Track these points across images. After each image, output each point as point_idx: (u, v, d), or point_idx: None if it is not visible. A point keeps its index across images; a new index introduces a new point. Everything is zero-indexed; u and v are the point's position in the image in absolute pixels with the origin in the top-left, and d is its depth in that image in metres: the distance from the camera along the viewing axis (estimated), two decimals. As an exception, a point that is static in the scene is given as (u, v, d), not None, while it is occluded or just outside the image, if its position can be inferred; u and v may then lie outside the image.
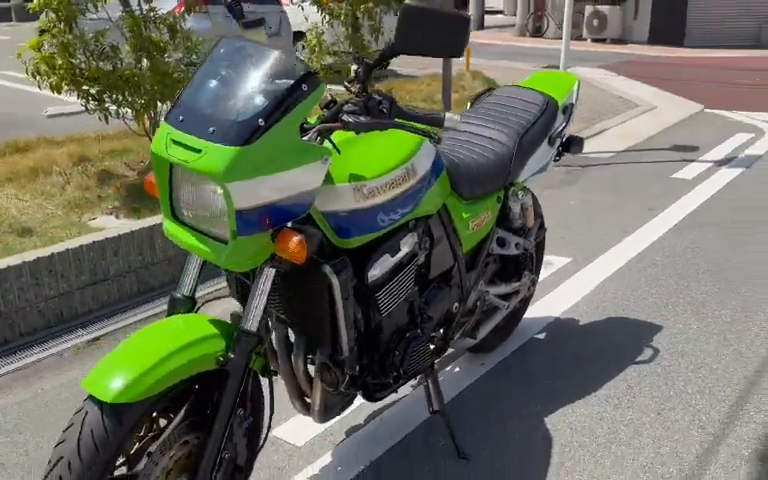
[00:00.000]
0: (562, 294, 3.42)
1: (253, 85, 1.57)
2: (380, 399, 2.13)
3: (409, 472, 2.21)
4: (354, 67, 1.78)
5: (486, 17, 20.06)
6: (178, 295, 1.80)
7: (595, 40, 15.38)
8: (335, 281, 1.73)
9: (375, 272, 1.86)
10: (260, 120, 1.50)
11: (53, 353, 3.10)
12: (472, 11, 16.99)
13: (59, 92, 4.36)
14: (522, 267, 2.69)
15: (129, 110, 4.51)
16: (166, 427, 1.70)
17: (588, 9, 15.29)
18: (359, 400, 2.13)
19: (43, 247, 3.43)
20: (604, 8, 15.24)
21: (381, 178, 1.82)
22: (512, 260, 2.66)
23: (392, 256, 1.91)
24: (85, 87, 4.24)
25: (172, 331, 1.62)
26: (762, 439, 2.31)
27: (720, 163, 5.81)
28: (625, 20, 15.49)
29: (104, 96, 4.35)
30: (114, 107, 4.45)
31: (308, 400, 2.07)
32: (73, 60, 4.21)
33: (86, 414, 1.48)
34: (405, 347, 2.02)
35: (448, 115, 1.66)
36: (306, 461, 2.27)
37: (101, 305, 3.50)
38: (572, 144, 2.70)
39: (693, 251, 3.93)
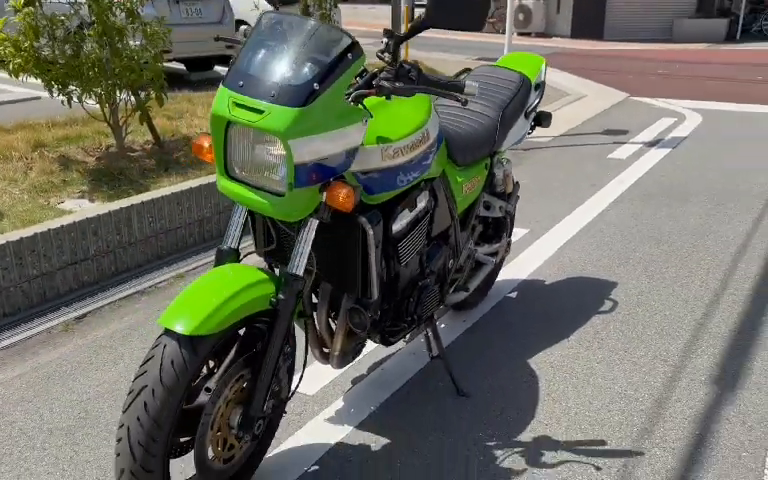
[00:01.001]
0: (526, 259, 3.76)
1: (305, 53, 1.78)
2: (393, 343, 2.37)
3: (415, 410, 2.46)
4: (385, 40, 2.01)
5: (415, 10, 20.56)
6: (225, 247, 1.97)
7: (521, 34, 16.08)
8: (370, 231, 1.95)
9: (398, 225, 2.10)
10: (315, 84, 1.71)
11: (41, 330, 3.15)
12: (402, 4, 17.34)
13: (17, 76, 4.33)
14: (501, 229, 2.99)
15: (92, 96, 4.52)
16: (216, 367, 1.89)
17: (515, 3, 15.94)
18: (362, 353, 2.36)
19: (22, 229, 3.45)
20: (529, 3, 15.95)
21: (403, 140, 2.06)
22: (493, 223, 2.96)
23: (410, 211, 2.16)
24: (50, 72, 4.23)
25: (228, 277, 1.80)
26: (714, 367, 2.70)
27: (650, 144, 6.36)
28: (548, 15, 16.27)
29: (68, 81, 4.35)
30: (78, 92, 4.46)
31: (326, 350, 2.28)
32: (36, 44, 4.20)
33: (165, 347, 1.65)
34: (418, 294, 2.27)
35: (468, 82, 1.91)
36: (320, 406, 2.48)
37: (81, 284, 3.56)
38: (543, 118, 3.03)
39: (635, 220, 4.37)
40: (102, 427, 2.43)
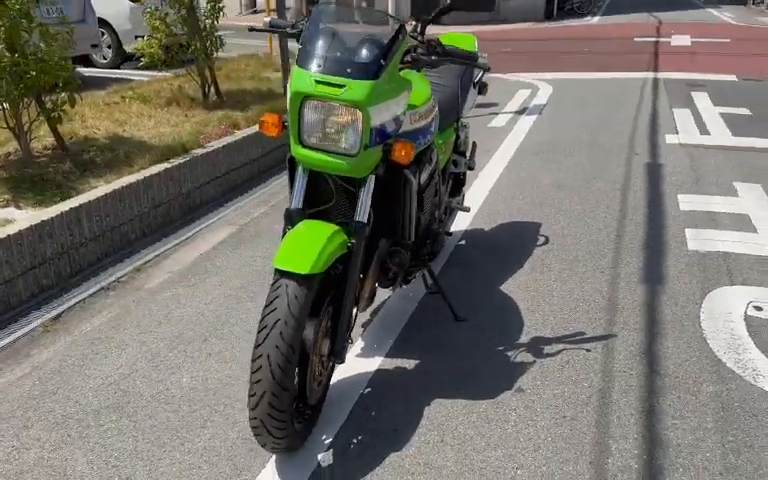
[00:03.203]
0: (460, 215, 4.34)
1: (368, 35, 2.17)
2: (410, 281, 2.82)
3: (428, 337, 2.93)
4: (413, 23, 2.44)
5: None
6: (293, 207, 2.29)
7: (365, 21, 16.83)
8: (413, 181, 2.39)
9: (423, 177, 2.55)
10: (382, 60, 2.12)
11: (22, 334, 3.20)
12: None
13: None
14: (461, 184, 3.54)
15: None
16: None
17: (357, -8, 16.67)
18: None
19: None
20: (370, -10, 16.72)
21: (422, 108, 2.51)
22: (454, 177, 3.49)
23: (429, 166, 2.62)
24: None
25: (316, 230, 2.14)
26: (640, 270, 3.46)
27: (519, 112, 7.27)
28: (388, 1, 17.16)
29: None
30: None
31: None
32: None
33: (287, 286, 1.98)
34: (434, 237, 2.75)
35: (480, 54, 2.40)
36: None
37: (42, 288, 3.59)
38: (483, 87, 3.61)
39: (533, 173, 5.14)
40: (149, 399, 2.63)
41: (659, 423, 2.31)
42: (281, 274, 2.01)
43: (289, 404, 2.01)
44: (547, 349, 2.78)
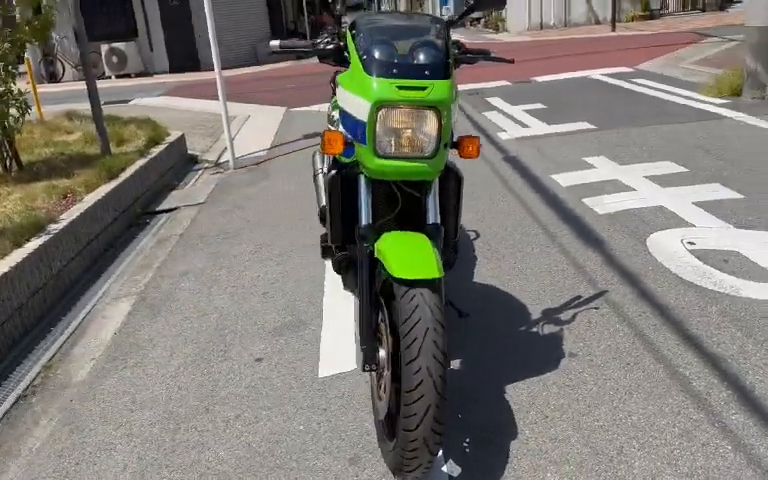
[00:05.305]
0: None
1: (429, 36, 2.18)
2: (439, 279, 2.83)
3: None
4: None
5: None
6: (364, 224, 2.21)
7: (119, 76, 15.90)
8: (463, 177, 2.43)
9: (461, 174, 2.60)
10: (449, 59, 2.15)
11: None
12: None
13: None
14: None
15: None
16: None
17: (104, 47, 15.66)
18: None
19: None
20: (120, 45, 15.86)
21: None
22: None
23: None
24: None
25: (407, 239, 2.08)
26: (578, 236, 3.85)
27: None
28: (143, 54, 16.43)
29: None
30: None
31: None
32: None
33: (422, 294, 1.91)
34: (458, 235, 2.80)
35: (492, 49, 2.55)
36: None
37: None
38: None
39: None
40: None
41: (702, 343, 2.65)
42: (408, 284, 1.93)
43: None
44: (563, 317, 2.99)
